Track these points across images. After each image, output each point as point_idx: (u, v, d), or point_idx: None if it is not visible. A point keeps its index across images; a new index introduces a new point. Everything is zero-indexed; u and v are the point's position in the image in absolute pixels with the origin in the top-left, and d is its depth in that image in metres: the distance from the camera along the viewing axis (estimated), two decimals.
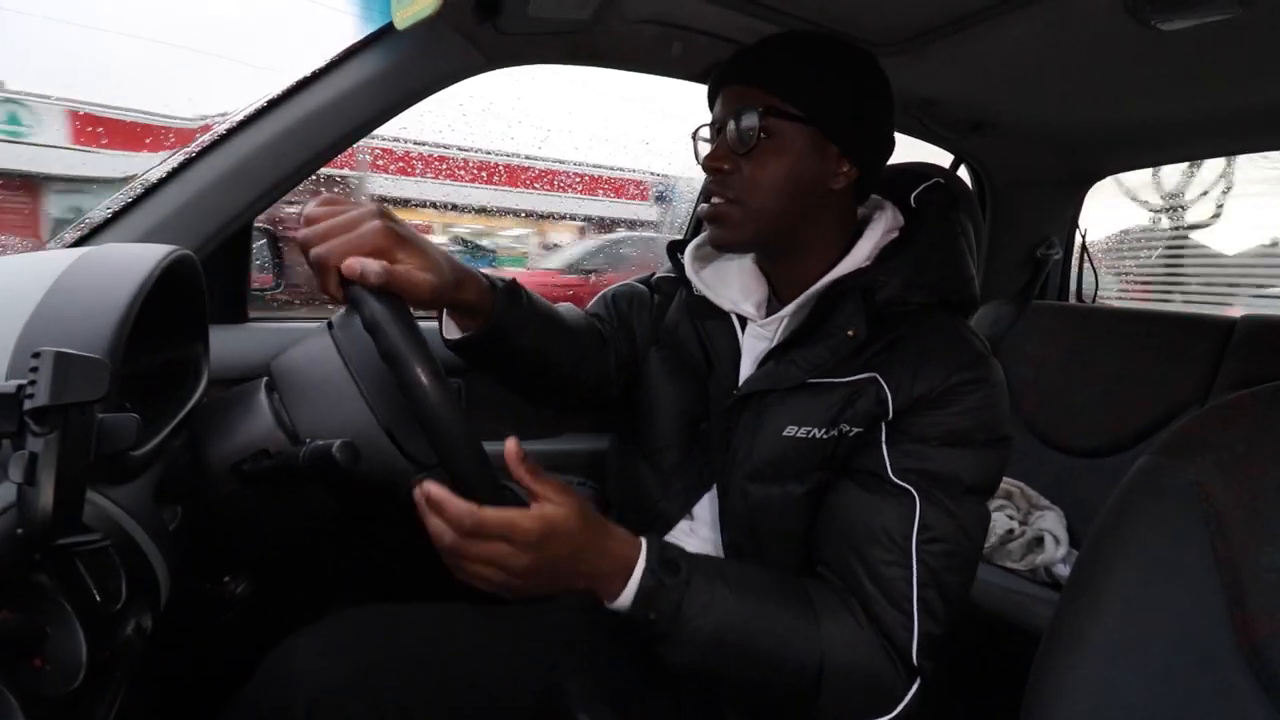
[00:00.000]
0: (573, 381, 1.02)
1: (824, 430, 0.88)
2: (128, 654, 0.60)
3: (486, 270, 0.89)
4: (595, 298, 1.15)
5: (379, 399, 0.82)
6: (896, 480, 0.83)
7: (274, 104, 1.10)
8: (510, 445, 0.71)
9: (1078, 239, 2.17)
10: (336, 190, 2.30)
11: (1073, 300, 2.22)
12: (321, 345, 0.86)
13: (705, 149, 0.96)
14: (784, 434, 0.89)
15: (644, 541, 0.77)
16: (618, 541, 0.76)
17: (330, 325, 0.88)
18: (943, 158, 1.90)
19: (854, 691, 0.80)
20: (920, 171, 1.02)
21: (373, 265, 0.67)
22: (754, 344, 0.98)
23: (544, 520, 0.69)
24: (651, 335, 1.09)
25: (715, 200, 0.93)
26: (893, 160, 1.01)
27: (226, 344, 1.17)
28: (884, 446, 0.85)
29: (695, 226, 1.81)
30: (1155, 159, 1.94)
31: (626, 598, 0.75)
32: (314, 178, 1.19)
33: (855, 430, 0.87)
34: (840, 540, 0.85)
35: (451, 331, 0.89)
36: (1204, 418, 0.62)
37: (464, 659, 0.85)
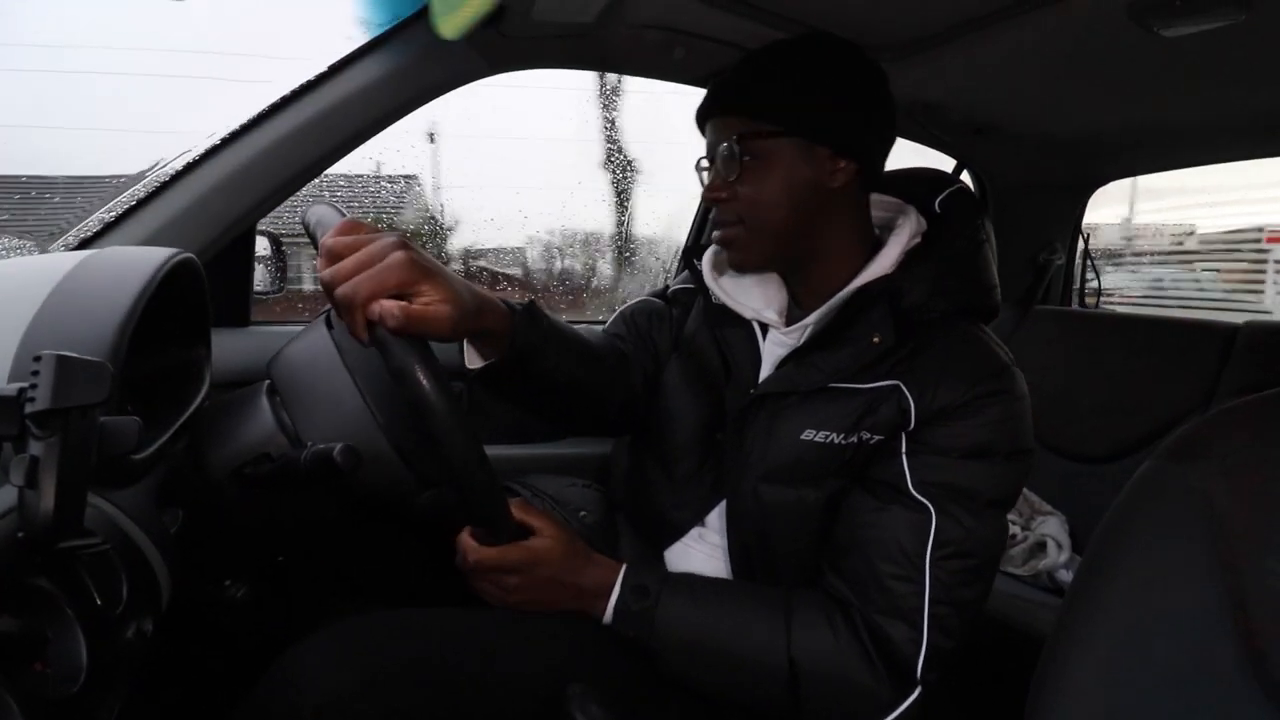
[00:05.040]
0: (600, 403, 1.02)
1: (843, 436, 0.88)
2: (128, 658, 0.60)
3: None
4: (613, 317, 1.15)
5: (381, 403, 0.82)
6: (915, 494, 0.84)
7: (277, 108, 1.10)
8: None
9: (1080, 244, 2.17)
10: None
11: (1075, 305, 2.22)
12: (321, 345, 0.86)
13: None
14: (802, 437, 0.90)
15: (623, 567, 0.89)
16: (598, 567, 0.89)
17: (329, 322, 0.88)
18: (945, 162, 1.90)
19: (833, 698, 0.83)
20: (939, 177, 1.02)
21: (391, 309, 0.66)
22: (774, 350, 0.97)
23: (530, 550, 0.84)
24: (671, 348, 1.09)
25: (722, 228, 0.94)
26: (896, 165, 1.01)
27: (229, 347, 1.17)
28: (904, 458, 0.85)
29: (696, 234, 1.80)
30: (1158, 164, 1.94)
31: (608, 618, 0.87)
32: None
33: (876, 438, 0.87)
34: (852, 551, 0.86)
35: (474, 360, 0.88)
36: (1207, 423, 0.62)
37: (471, 666, 0.85)
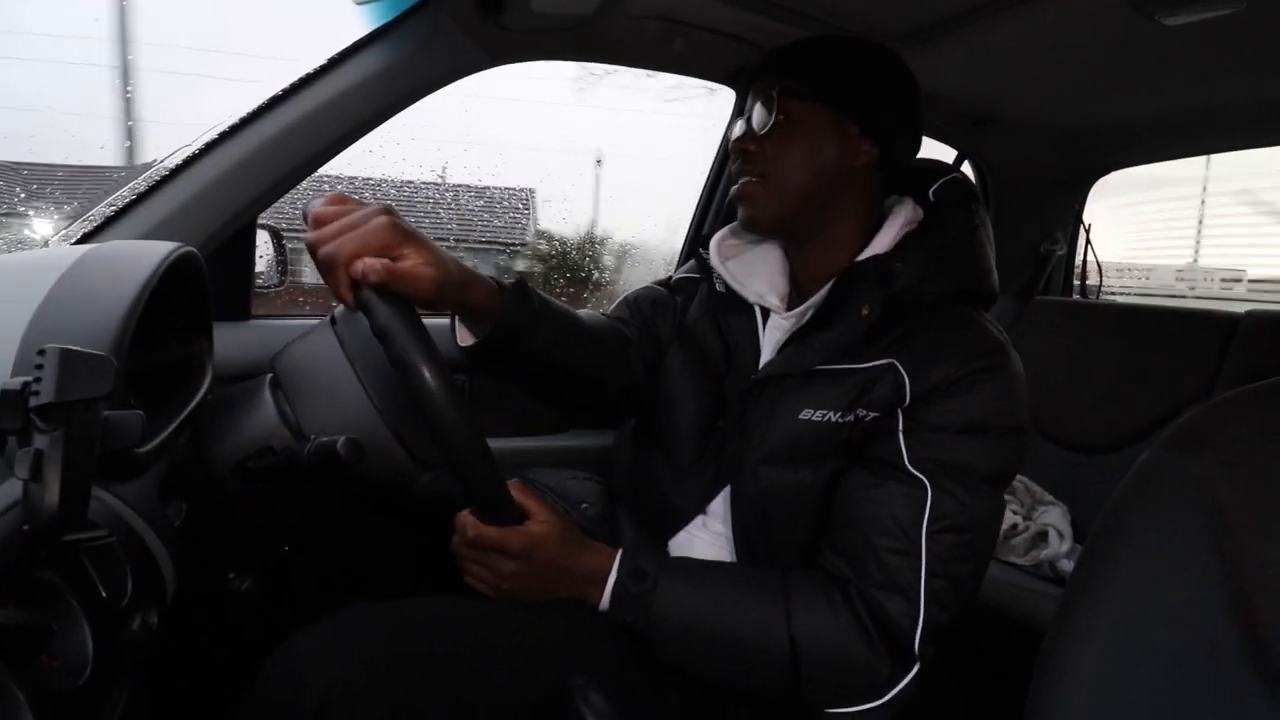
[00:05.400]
0: (598, 385, 1.02)
1: (840, 414, 0.89)
2: (134, 650, 0.61)
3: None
4: (617, 301, 1.16)
5: (383, 395, 0.83)
6: (911, 469, 0.84)
7: (277, 101, 1.10)
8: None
9: (1081, 234, 2.17)
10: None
11: (1076, 296, 2.22)
12: (324, 340, 0.86)
13: None
14: (800, 417, 0.91)
15: (619, 552, 0.89)
16: (594, 554, 0.88)
17: (333, 320, 0.88)
18: (946, 153, 1.90)
19: (834, 677, 0.84)
20: (937, 167, 1.03)
21: (373, 264, 0.67)
22: (774, 335, 0.99)
23: (528, 536, 0.83)
24: (673, 335, 1.10)
25: (743, 180, 0.97)
26: None
27: (231, 341, 1.17)
28: (901, 435, 0.86)
29: (698, 225, 1.80)
30: (1160, 154, 1.93)
31: (605, 603, 0.87)
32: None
33: (872, 415, 0.88)
34: (849, 527, 0.86)
35: (465, 338, 0.89)
36: (1208, 413, 0.62)
37: (474, 657, 0.85)
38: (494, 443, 0.74)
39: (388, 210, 0.71)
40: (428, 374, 0.67)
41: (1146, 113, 1.59)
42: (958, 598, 0.84)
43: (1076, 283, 2.21)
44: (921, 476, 0.84)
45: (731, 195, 1.00)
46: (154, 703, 0.92)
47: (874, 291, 0.89)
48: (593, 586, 0.87)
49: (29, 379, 0.48)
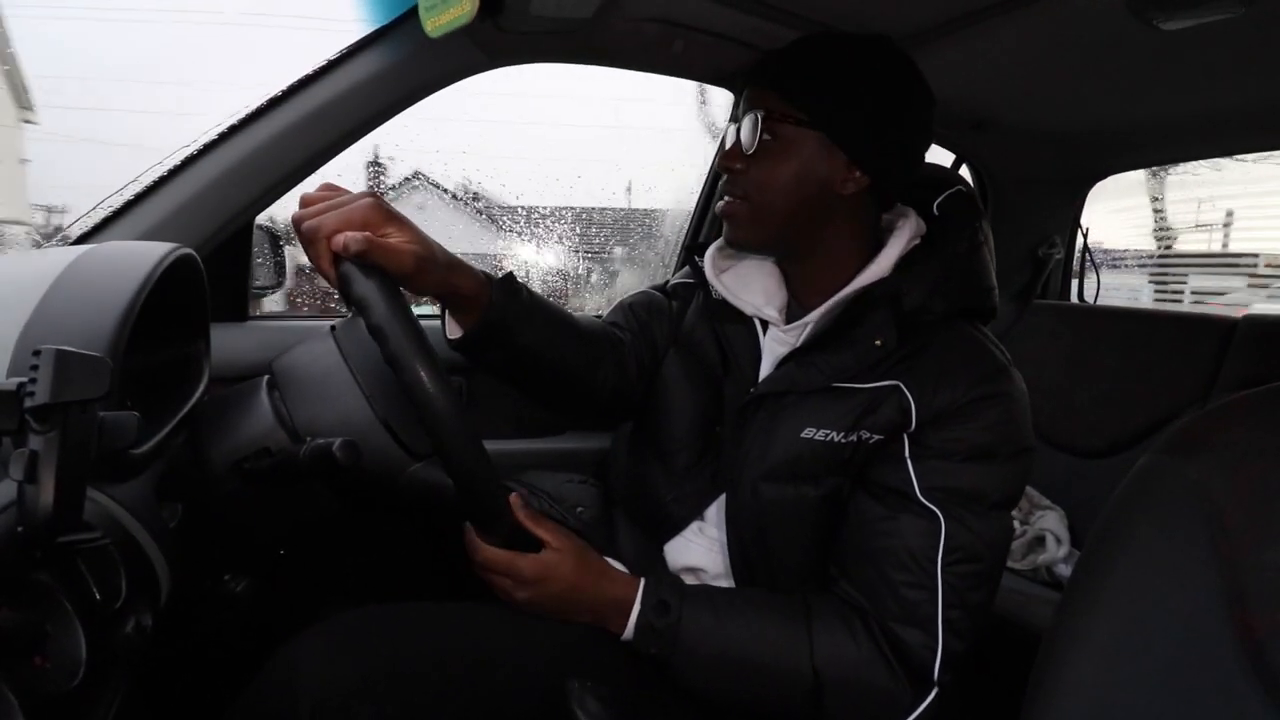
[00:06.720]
0: (589, 385, 1.01)
1: (842, 434, 0.88)
2: (128, 652, 0.60)
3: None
4: (613, 306, 1.15)
5: (378, 396, 0.83)
6: (923, 500, 0.84)
7: (275, 102, 1.10)
8: (513, 499, 0.85)
9: (1079, 238, 2.17)
10: None
11: (1074, 300, 2.22)
12: (323, 346, 0.86)
13: None
14: (801, 435, 0.90)
15: (641, 582, 0.88)
16: (614, 583, 0.88)
17: (332, 328, 0.88)
18: (943, 156, 1.90)
19: (856, 704, 0.84)
20: (939, 177, 1.02)
21: (355, 235, 0.68)
22: (774, 347, 0.98)
23: (541, 564, 0.83)
24: (671, 340, 1.09)
25: (726, 198, 0.95)
26: None
27: (228, 342, 1.17)
28: (909, 463, 0.86)
29: (694, 232, 1.80)
30: (1158, 158, 1.94)
31: (628, 635, 0.86)
32: None
33: (875, 438, 0.88)
34: (863, 559, 0.86)
35: (454, 330, 0.88)
36: (1205, 417, 0.62)
37: (470, 661, 0.85)
38: (491, 444, 0.74)
39: (373, 194, 0.73)
40: (405, 343, 0.67)
41: (1144, 117, 1.59)
42: (974, 626, 0.84)
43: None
44: (934, 508, 0.83)
45: (718, 210, 0.98)
46: (147, 705, 0.92)
47: (888, 321, 0.88)
48: (614, 616, 0.87)
49: (24, 380, 0.48)
